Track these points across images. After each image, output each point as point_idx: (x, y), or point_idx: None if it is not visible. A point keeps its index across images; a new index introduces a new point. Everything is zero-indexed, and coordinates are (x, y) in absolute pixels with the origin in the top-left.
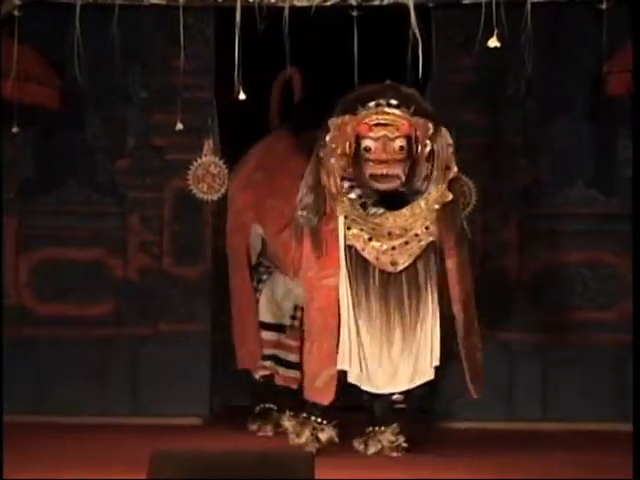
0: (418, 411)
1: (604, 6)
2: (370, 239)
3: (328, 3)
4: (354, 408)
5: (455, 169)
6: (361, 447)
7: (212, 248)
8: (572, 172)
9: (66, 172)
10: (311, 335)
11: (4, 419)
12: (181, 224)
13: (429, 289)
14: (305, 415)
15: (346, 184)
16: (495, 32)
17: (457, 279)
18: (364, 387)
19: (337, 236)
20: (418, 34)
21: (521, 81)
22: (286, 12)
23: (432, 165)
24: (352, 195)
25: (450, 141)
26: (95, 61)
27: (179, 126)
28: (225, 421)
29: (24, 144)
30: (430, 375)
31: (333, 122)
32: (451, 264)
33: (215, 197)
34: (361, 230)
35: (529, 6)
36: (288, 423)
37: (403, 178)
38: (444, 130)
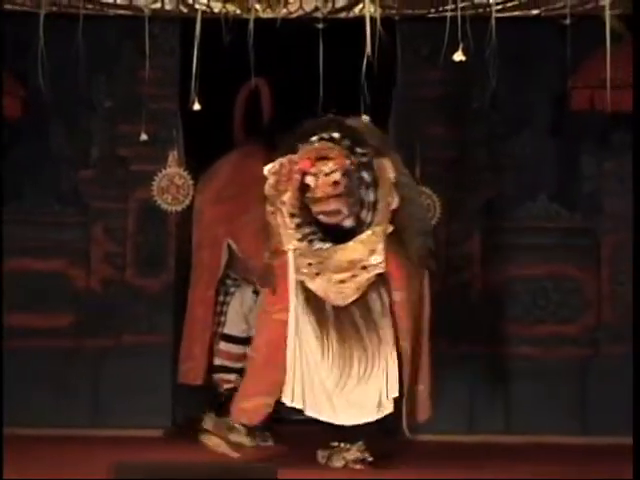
0: (379, 424)
1: (568, 22)
2: (318, 274)
3: (293, 15)
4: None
5: (396, 200)
6: (324, 460)
7: (175, 259)
8: (535, 186)
9: (29, 182)
10: (254, 363)
11: None
12: (145, 235)
13: (382, 321)
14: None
15: (296, 220)
16: (460, 46)
17: (405, 313)
18: (322, 418)
19: (286, 271)
20: (369, 49)
21: (486, 95)
22: (251, 24)
23: (376, 197)
24: (300, 232)
25: (392, 174)
26: (59, 71)
27: (143, 137)
28: (187, 433)
29: None
30: (389, 408)
31: (269, 169)
32: (399, 297)
33: (179, 208)
34: (309, 265)
35: (494, 21)
36: (209, 421)
37: (345, 211)
38: (386, 161)
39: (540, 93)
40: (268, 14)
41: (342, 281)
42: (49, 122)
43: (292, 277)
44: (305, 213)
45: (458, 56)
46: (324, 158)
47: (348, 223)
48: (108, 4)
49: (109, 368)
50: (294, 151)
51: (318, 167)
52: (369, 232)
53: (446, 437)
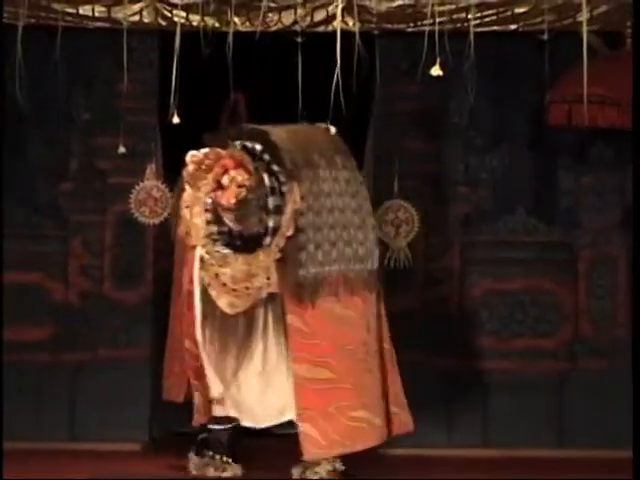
0: None
1: (545, 37)
2: (217, 276)
3: (272, 29)
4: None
5: (292, 230)
6: (299, 475)
7: (153, 272)
8: (513, 200)
9: (7, 194)
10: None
11: None
12: (123, 248)
13: (269, 339)
14: (210, 454)
15: (207, 215)
16: (438, 61)
17: (294, 337)
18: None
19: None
20: (339, 65)
21: (464, 109)
22: (230, 37)
23: (278, 223)
24: (208, 229)
25: (297, 200)
26: (38, 83)
27: (122, 149)
28: (164, 447)
29: None
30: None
31: (191, 157)
32: (289, 320)
33: (157, 221)
34: (212, 265)
35: (472, 35)
36: (192, 464)
37: (236, 229)
38: (296, 187)
39: (518, 108)
40: (247, 27)
41: (235, 290)
42: (27, 134)
43: (196, 272)
44: (216, 210)
45: (436, 71)
46: (244, 167)
47: (255, 230)
48: (87, 16)
49: (86, 381)
50: (224, 146)
51: (237, 172)
52: (265, 253)
53: (424, 451)
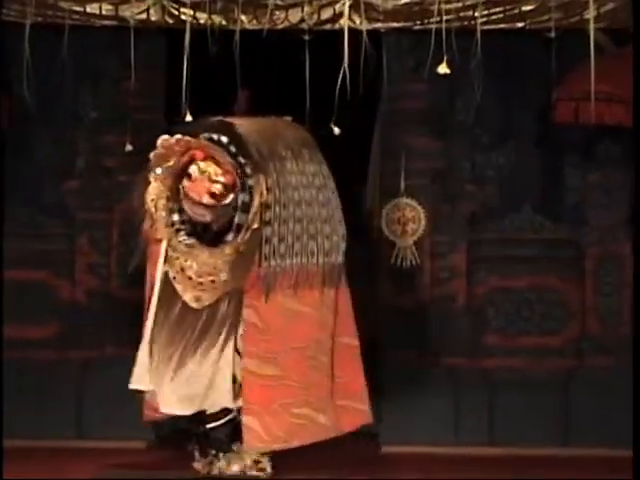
0: (365, 435)
1: (553, 35)
2: (183, 269)
3: (279, 26)
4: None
5: (256, 224)
6: (226, 462)
7: None
8: (520, 198)
9: (14, 193)
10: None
11: None
12: (129, 246)
13: (223, 333)
14: (214, 452)
15: (169, 204)
16: (445, 59)
17: (248, 332)
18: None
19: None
20: (346, 63)
21: (471, 107)
22: (237, 35)
23: (247, 215)
24: (170, 218)
25: (263, 193)
26: (45, 81)
27: (129, 147)
28: (170, 445)
29: None
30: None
31: (162, 141)
32: (246, 315)
33: None
34: (177, 259)
35: (479, 33)
36: (197, 464)
37: (209, 219)
38: (262, 179)
39: (524, 105)
40: (254, 25)
41: (201, 284)
42: (34, 133)
43: (160, 266)
44: (179, 199)
45: (443, 69)
46: (213, 158)
47: (216, 226)
48: (94, 15)
49: (93, 379)
50: (195, 135)
51: (207, 165)
52: (230, 246)
53: (430, 449)
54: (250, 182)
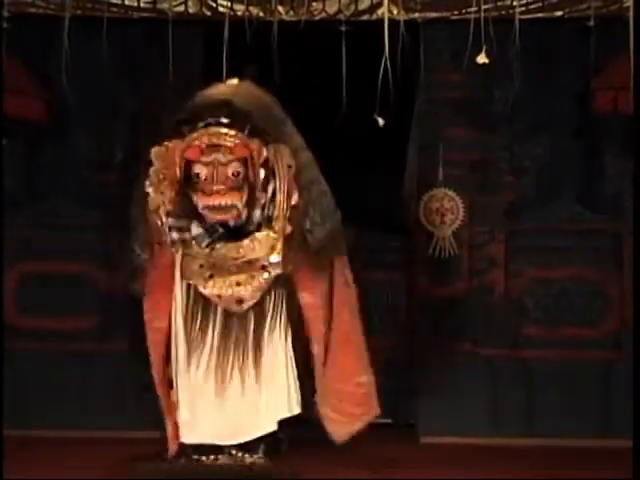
0: (403, 426)
1: (592, 23)
2: (212, 276)
3: (316, 18)
4: None
5: (296, 196)
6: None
7: None
8: (559, 188)
9: (53, 185)
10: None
11: None
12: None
13: (279, 329)
14: (234, 451)
15: (171, 221)
16: (483, 48)
17: (316, 317)
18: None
19: (165, 273)
20: (386, 53)
21: (509, 97)
22: (275, 26)
23: (274, 190)
24: (178, 223)
25: (291, 162)
26: (84, 74)
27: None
28: None
29: (10, 156)
30: (271, 426)
31: (156, 152)
32: (308, 299)
33: None
34: (201, 267)
35: (517, 23)
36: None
37: (240, 207)
38: (284, 148)
39: (563, 95)
40: (291, 17)
41: (238, 283)
42: (73, 125)
43: (178, 281)
44: (185, 206)
45: (482, 59)
46: (216, 145)
47: (241, 220)
48: (132, 7)
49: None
50: (182, 136)
51: (211, 155)
52: (267, 230)
53: (469, 439)
54: (270, 150)
